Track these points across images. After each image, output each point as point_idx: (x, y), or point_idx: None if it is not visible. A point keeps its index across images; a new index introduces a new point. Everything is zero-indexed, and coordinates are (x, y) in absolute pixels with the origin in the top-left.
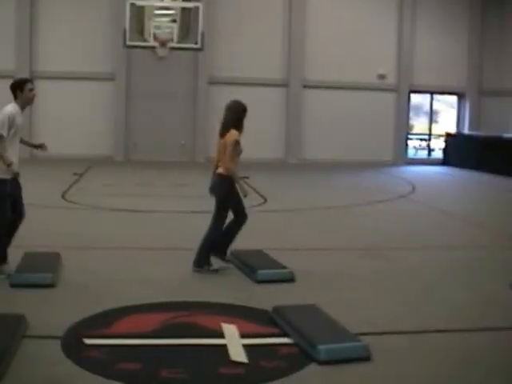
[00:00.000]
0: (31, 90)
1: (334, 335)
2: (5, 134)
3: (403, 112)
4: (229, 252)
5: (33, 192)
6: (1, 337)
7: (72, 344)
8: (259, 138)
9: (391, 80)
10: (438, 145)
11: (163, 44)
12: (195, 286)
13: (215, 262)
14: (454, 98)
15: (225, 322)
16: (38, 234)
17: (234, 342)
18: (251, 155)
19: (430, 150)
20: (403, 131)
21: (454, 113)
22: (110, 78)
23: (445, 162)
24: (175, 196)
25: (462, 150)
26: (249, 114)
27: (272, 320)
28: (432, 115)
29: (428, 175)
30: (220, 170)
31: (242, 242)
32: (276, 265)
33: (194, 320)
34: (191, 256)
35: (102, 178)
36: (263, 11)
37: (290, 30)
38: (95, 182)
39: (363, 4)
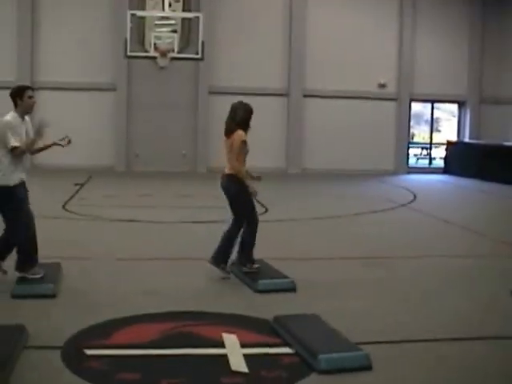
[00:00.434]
0: (30, 97)
1: (334, 344)
2: (17, 143)
3: (404, 121)
4: (230, 262)
5: (33, 202)
6: (2, 347)
7: (73, 354)
8: (260, 148)
9: (392, 89)
10: (439, 153)
11: (164, 54)
12: (196, 296)
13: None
14: (454, 107)
15: (225, 331)
16: (38, 244)
17: (235, 351)
18: (251, 165)
19: (431, 159)
20: (404, 140)
21: (454, 121)
22: (112, 89)
23: (446, 170)
24: (177, 206)
25: (462, 159)
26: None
27: (273, 330)
28: (433, 124)
29: (429, 184)
30: (227, 170)
31: None
32: (277, 274)
33: (195, 330)
34: (193, 266)
35: (103, 189)
36: (263, 20)
37: (290, 39)
38: (96, 193)
39: (363, 13)
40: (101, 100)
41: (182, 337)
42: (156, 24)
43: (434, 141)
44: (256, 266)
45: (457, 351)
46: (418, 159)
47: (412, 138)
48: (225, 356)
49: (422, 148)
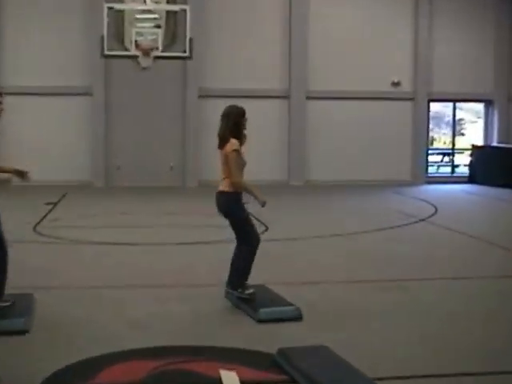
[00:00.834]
0: None
1: (348, 380)
2: None
3: (422, 123)
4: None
5: None
6: None
7: None
8: (257, 157)
9: (407, 87)
10: (463, 160)
11: (146, 53)
12: (188, 328)
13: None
14: (480, 106)
15: (223, 368)
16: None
17: None
18: (248, 177)
19: (453, 166)
20: (422, 145)
21: (480, 123)
22: (87, 93)
23: (471, 179)
24: (164, 226)
25: (490, 165)
26: (245, 130)
27: (277, 364)
28: (455, 126)
29: (452, 195)
30: (221, 187)
31: None
32: (280, 301)
33: (188, 367)
34: (182, 294)
35: (79, 208)
36: (260, 13)
37: (290, 35)
38: (72, 212)
39: (373, 3)
40: (75, 106)
41: (174, 375)
42: (137, 18)
43: (456, 146)
44: (249, 291)
45: None
46: (438, 167)
47: (431, 143)
48: None
49: (444, 154)
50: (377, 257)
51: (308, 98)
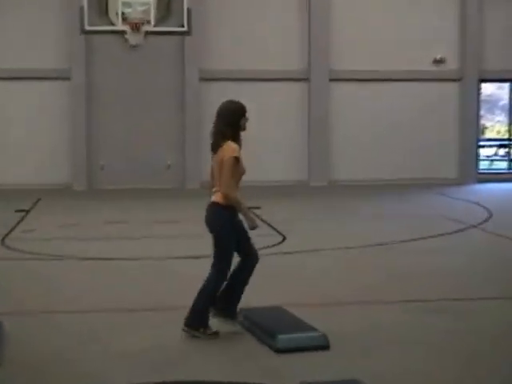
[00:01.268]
0: None
1: None
2: None
3: (471, 108)
4: (238, 310)
5: None
6: None
7: None
8: (271, 154)
9: (453, 65)
10: None
11: (136, 27)
12: (191, 359)
13: (218, 323)
14: None
15: None
16: None
17: None
18: (260, 177)
19: (510, 161)
20: (471, 136)
21: None
22: (65, 77)
23: None
24: (158, 237)
25: None
26: (256, 119)
27: None
28: None
29: (509, 196)
30: (214, 198)
31: (255, 295)
32: (302, 326)
33: None
34: (181, 317)
35: (56, 216)
36: None
37: (309, 6)
38: (47, 222)
39: None
40: (51, 92)
41: None
42: None
43: None
44: (212, 331)
45: None
46: (492, 161)
47: (483, 133)
48: None
49: (499, 146)
50: (419, 272)
51: (331, 79)
